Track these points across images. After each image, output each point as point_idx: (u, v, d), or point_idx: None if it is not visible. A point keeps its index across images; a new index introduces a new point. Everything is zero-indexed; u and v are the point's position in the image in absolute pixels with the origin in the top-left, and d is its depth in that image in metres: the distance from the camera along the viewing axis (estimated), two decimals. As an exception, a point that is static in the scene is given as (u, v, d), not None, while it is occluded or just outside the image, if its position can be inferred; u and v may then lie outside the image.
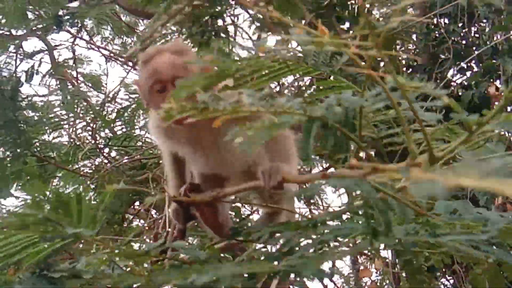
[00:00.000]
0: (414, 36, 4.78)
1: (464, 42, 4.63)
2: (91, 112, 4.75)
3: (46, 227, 1.27)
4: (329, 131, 1.00)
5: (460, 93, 4.13)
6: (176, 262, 1.29)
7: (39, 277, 1.25)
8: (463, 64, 4.59)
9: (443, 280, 4.31)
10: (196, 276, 1.03)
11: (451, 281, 4.20)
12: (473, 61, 4.49)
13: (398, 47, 4.84)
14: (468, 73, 4.49)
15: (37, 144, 4.21)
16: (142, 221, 5.22)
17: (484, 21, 4.48)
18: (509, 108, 3.57)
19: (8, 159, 4.16)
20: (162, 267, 1.31)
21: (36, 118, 4.34)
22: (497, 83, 4.04)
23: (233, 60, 1.20)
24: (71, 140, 4.74)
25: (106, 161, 4.89)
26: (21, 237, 1.28)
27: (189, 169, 1.70)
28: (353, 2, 4.03)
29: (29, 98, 4.30)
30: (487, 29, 4.43)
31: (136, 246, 4.48)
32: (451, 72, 4.57)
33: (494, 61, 4.07)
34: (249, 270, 1.05)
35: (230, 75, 1.20)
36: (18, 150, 4.16)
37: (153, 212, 5.22)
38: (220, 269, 1.04)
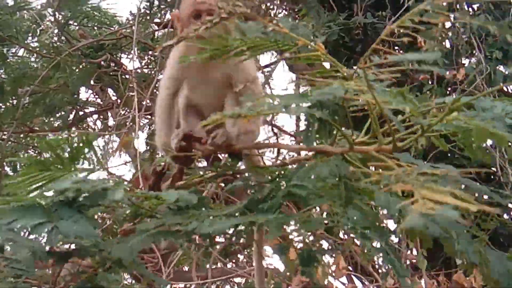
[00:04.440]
0: None
1: None
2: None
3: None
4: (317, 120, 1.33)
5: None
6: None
7: (66, 203, 1.50)
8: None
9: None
10: (197, 224, 1.38)
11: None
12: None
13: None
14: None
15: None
16: (99, 100, 5.46)
17: None
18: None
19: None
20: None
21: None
22: None
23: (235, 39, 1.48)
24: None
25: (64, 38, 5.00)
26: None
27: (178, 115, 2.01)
28: None
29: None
30: None
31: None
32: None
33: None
34: (237, 222, 1.40)
35: (232, 49, 1.49)
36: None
37: (110, 92, 5.45)
38: (215, 223, 1.38)
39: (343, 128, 1.42)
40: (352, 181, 1.34)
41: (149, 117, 4.96)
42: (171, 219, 1.43)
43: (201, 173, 1.93)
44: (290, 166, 1.68)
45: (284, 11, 5.77)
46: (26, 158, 1.59)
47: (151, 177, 1.86)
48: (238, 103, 1.82)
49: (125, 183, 1.68)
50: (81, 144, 1.59)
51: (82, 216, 1.46)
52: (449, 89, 4.27)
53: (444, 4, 3.70)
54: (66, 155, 1.59)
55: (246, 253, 4.98)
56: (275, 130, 5.20)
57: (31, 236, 1.43)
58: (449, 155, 4.09)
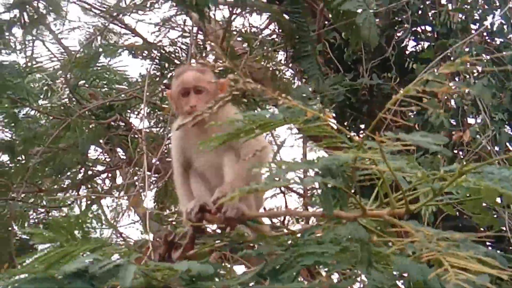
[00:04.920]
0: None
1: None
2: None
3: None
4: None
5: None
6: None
7: (79, 275, 1.52)
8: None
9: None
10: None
11: None
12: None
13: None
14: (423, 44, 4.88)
15: (12, 87, 4.31)
16: (108, 158, 5.50)
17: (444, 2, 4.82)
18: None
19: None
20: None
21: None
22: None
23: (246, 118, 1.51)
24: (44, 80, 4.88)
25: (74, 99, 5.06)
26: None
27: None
28: None
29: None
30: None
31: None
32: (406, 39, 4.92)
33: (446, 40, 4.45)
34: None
35: (243, 131, 1.52)
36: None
37: (119, 151, 5.49)
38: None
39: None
40: (370, 245, 1.36)
41: (157, 175, 4.99)
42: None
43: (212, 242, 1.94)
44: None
45: (290, 69, 5.86)
46: (40, 235, 1.61)
47: (162, 246, 1.88)
48: (236, 157, 1.94)
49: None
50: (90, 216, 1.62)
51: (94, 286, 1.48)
52: (456, 150, 4.28)
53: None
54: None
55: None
56: (282, 188, 5.22)
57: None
58: (457, 215, 4.07)
